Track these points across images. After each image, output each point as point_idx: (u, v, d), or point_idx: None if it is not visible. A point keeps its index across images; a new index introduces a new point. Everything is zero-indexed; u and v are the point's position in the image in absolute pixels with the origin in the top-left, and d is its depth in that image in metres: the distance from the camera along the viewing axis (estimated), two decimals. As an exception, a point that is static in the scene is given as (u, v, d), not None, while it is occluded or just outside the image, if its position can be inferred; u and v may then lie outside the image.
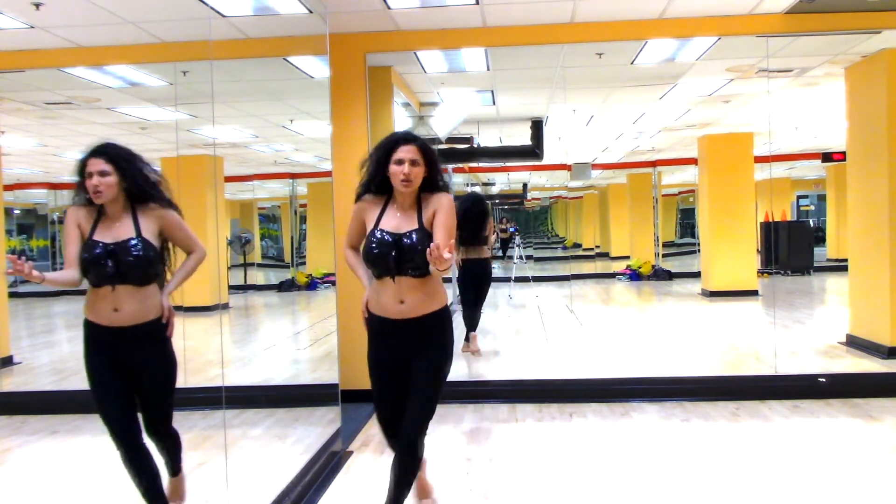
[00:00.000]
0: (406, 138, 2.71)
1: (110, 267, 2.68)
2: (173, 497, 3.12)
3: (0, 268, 6.13)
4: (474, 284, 6.61)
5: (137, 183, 2.75)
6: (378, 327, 2.86)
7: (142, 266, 2.72)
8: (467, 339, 6.70)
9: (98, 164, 2.68)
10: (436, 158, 2.76)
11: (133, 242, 2.72)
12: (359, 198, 2.84)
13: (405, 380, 2.82)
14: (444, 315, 2.81)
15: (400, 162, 2.66)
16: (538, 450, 4.15)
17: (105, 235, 2.72)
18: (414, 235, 2.68)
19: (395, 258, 2.68)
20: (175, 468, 3.13)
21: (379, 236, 2.71)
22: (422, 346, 2.77)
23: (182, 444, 3.12)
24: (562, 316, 9.65)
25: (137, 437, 2.80)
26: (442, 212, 2.71)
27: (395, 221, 2.74)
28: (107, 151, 2.72)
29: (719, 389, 5.18)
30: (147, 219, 2.79)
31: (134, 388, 2.81)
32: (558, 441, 4.32)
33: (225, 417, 4.86)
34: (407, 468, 2.78)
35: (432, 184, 2.76)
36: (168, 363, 2.88)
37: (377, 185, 2.77)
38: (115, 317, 2.71)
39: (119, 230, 2.74)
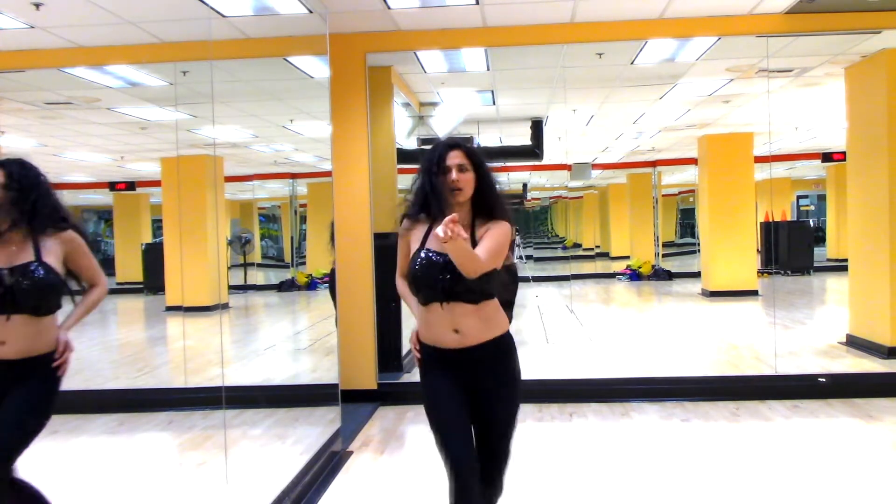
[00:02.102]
0: (450, 144, 2.43)
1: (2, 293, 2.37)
2: None
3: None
4: None
5: (35, 203, 2.46)
6: (433, 357, 2.43)
7: (41, 292, 2.43)
8: None
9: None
10: (485, 165, 2.44)
11: (32, 266, 2.42)
12: (403, 219, 2.49)
13: (469, 413, 2.41)
14: (507, 340, 2.45)
15: (447, 170, 2.37)
16: (538, 450, 4.15)
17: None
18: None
19: (444, 281, 2.32)
20: None
21: (424, 256, 2.36)
22: (489, 383, 2.40)
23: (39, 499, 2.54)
24: (562, 316, 9.65)
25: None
26: (491, 233, 2.35)
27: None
28: (4, 165, 2.46)
29: (719, 389, 5.19)
30: (50, 242, 2.49)
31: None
32: (558, 441, 4.32)
33: (225, 417, 4.86)
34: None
35: (487, 203, 2.42)
36: (39, 403, 2.49)
37: (426, 202, 2.42)
38: (1, 350, 2.39)
39: (16, 254, 2.43)
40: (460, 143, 2.45)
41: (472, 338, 2.36)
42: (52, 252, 2.49)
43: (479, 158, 2.44)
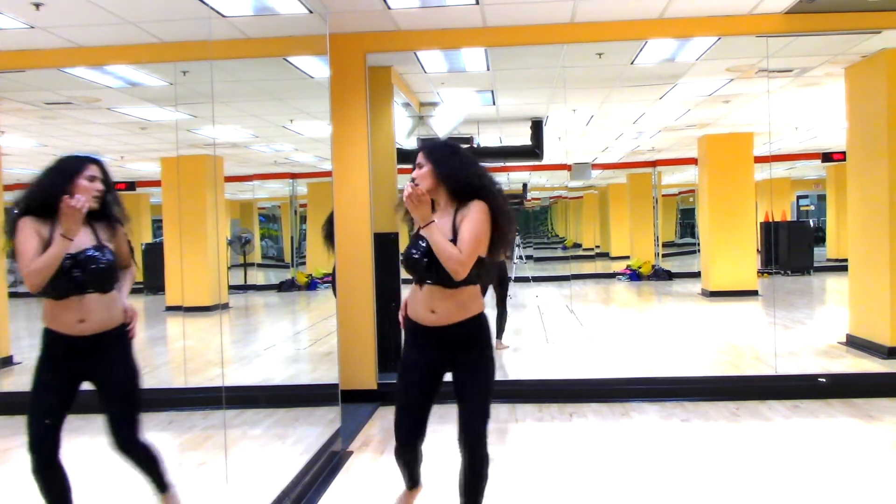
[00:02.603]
0: (418, 148, 2.76)
1: (77, 276, 2.61)
2: None
3: (0, 268, 6.14)
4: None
5: (113, 197, 2.80)
6: (412, 331, 2.76)
7: (107, 272, 2.69)
8: None
9: (96, 171, 2.72)
10: (445, 158, 2.66)
11: (98, 250, 2.69)
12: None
13: (431, 391, 2.76)
14: (479, 320, 2.71)
15: (414, 168, 2.71)
16: (538, 450, 4.15)
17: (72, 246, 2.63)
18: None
19: (422, 265, 2.61)
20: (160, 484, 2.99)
21: (414, 242, 2.67)
22: (460, 354, 2.68)
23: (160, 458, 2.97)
24: (562, 316, 9.65)
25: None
26: (467, 218, 2.58)
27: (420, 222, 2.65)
28: (100, 162, 2.76)
29: (719, 389, 5.19)
30: (103, 229, 2.78)
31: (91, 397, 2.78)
32: (558, 441, 4.32)
33: (225, 417, 4.86)
34: (478, 481, 2.74)
35: (458, 187, 2.64)
36: (132, 368, 2.84)
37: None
38: (80, 327, 2.67)
39: (81, 240, 2.65)
40: (426, 146, 2.74)
41: (446, 318, 2.64)
42: (105, 237, 2.77)
43: (436, 154, 2.68)
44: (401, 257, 2.75)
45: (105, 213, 2.78)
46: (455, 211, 2.64)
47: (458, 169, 2.66)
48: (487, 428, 2.72)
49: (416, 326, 2.72)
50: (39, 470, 2.74)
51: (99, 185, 2.72)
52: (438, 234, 2.53)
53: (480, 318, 2.72)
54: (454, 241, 2.56)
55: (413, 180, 2.64)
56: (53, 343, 2.71)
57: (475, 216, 2.57)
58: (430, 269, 2.59)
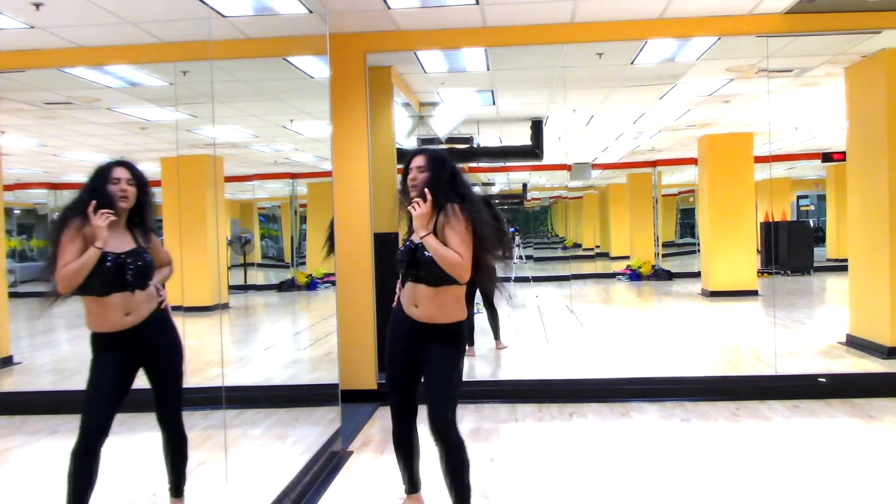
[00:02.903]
0: (416, 151, 2.96)
1: (130, 273, 2.88)
2: None
3: (0, 267, 6.14)
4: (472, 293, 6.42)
5: (149, 201, 3.04)
6: (396, 318, 3.00)
7: (149, 270, 2.98)
8: None
9: (125, 173, 2.91)
10: (441, 164, 2.88)
11: (140, 251, 2.96)
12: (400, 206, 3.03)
13: (415, 374, 2.97)
14: (457, 327, 2.91)
15: (410, 171, 2.92)
16: (538, 450, 4.15)
17: (112, 247, 2.86)
18: (425, 247, 2.80)
19: (407, 265, 2.85)
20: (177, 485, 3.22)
21: (407, 244, 2.91)
22: (429, 346, 2.88)
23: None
24: (562, 316, 9.65)
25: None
26: (448, 226, 2.80)
27: (419, 231, 2.85)
28: (128, 164, 2.96)
29: (719, 389, 5.19)
30: (139, 233, 3.03)
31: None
32: (558, 441, 4.32)
33: (225, 417, 4.86)
34: (455, 465, 2.81)
35: (446, 199, 2.84)
36: (176, 346, 3.12)
37: (403, 202, 2.98)
38: (127, 320, 2.90)
39: (124, 242, 2.94)
40: (425, 150, 2.96)
41: (426, 316, 2.86)
42: (143, 241, 3.02)
43: (436, 165, 2.89)
44: (398, 254, 2.96)
45: (142, 219, 3.02)
46: (436, 215, 2.84)
47: (448, 181, 2.87)
48: (454, 414, 2.85)
49: (401, 314, 2.94)
50: (80, 454, 2.83)
51: (124, 186, 2.89)
52: (438, 243, 2.75)
53: (459, 326, 2.91)
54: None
55: (417, 191, 2.85)
56: (102, 342, 2.90)
57: (455, 224, 2.78)
58: (411, 268, 2.85)
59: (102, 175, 2.88)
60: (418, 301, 2.86)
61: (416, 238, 2.85)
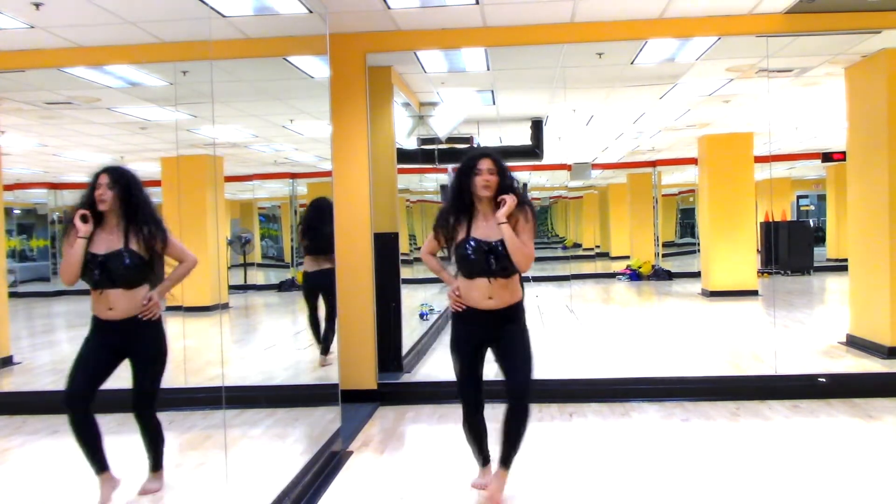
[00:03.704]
0: (481, 153, 3.28)
1: (99, 275, 3.20)
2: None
3: (0, 267, 6.14)
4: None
5: (137, 203, 3.29)
6: (467, 314, 3.32)
7: (127, 272, 3.23)
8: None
9: (105, 179, 3.21)
10: (506, 168, 3.27)
11: (121, 253, 3.22)
12: (445, 219, 3.34)
13: (481, 360, 3.40)
14: (521, 305, 3.38)
15: (479, 172, 3.21)
16: (538, 450, 4.15)
17: (96, 248, 3.22)
18: (502, 245, 3.17)
19: (490, 263, 3.19)
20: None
21: (474, 244, 3.22)
22: (501, 329, 3.29)
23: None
24: (562, 316, 9.65)
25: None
26: (524, 221, 3.24)
27: (484, 231, 3.23)
28: (110, 169, 3.26)
29: (719, 389, 5.19)
30: (139, 234, 3.28)
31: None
32: (558, 441, 4.32)
33: (225, 417, 4.86)
34: (520, 425, 3.27)
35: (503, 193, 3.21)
36: (156, 351, 3.39)
37: (460, 202, 3.29)
38: (109, 314, 3.24)
39: (112, 242, 3.24)
40: (491, 153, 3.28)
41: (502, 303, 3.27)
42: (138, 241, 3.26)
43: (501, 166, 3.25)
44: (460, 255, 3.25)
45: (136, 218, 3.26)
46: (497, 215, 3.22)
47: (511, 176, 3.30)
48: (531, 384, 3.33)
49: (472, 311, 3.29)
50: (74, 422, 3.22)
51: (101, 191, 3.19)
52: (517, 238, 3.17)
53: (521, 303, 3.37)
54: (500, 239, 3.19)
55: (491, 191, 3.22)
56: (94, 324, 3.28)
57: (530, 219, 3.26)
58: (495, 267, 3.20)
59: (91, 182, 3.24)
60: (494, 293, 3.24)
61: (487, 236, 3.19)
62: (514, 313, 3.32)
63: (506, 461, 3.32)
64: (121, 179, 3.24)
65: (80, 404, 3.23)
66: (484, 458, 3.54)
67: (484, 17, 5.04)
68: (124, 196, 3.24)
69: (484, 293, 3.25)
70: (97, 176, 3.23)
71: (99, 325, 3.28)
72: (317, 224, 5.88)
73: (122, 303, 3.22)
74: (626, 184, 15.38)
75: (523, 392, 3.29)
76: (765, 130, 9.89)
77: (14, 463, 4.23)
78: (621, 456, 4.00)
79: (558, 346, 7.29)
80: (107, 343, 3.27)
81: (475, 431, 3.47)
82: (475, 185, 3.21)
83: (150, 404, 3.39)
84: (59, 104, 6.79)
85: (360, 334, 5.41)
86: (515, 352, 3.31)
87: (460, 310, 3.33)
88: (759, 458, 3.89)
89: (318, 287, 5.96)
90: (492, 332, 3.31)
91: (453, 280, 3.37)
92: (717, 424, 4.54)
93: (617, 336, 7.99)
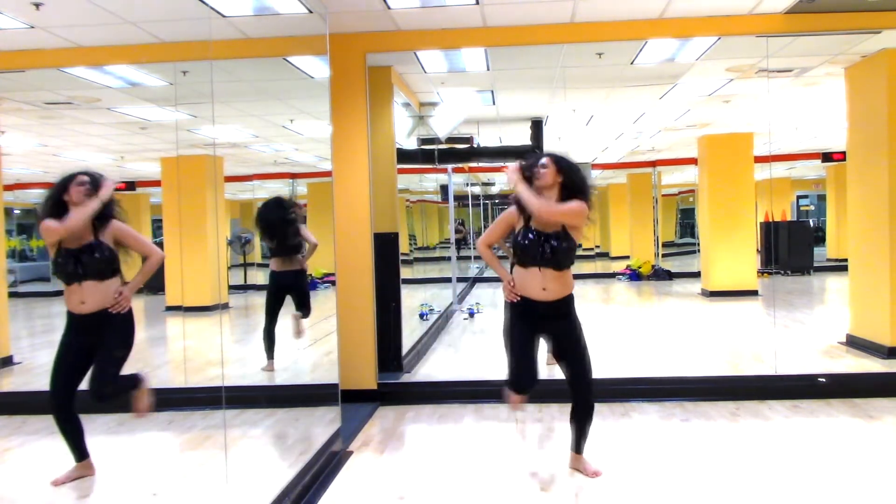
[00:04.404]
0: (546, 154, 3.56)
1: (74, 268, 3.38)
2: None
3: (0, 267, 6.14)
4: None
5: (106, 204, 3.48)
6: (522, 304, 3.52)
7: (99, 263, 3.42)
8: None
9: (85, 178, 3.43)
10: (572, 168, 3.50)
11: (93, 245, 3.43)
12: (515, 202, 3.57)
13: (536, 345, 3.59)
14: (573, 297, 3.60)
15: (540, 166, 3.50)
16: (538, 449, 4.15)
17: (71, 244, 3.40)
18: (556, 238, 3.42)
19: (544, 252, 3.42)
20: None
21: (532, 236, 3.45)
22: (556, 323, 3.52)
23: None
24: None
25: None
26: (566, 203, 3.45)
27: (542, 224, 3.46)
28: (85, 173, 3.47)
29: (719, 389, 5.18)
30: (104, 228, 3.49)
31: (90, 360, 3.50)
32: (558, 441, 4.32)
33: (225, 417, 4.86)
34: (587, 417, 3.63)
35: (570, 192, 3.45)
36: (120, 340, 3.55)
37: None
38: (82, 307, 3.43)
39: (83, 238, 3.43)
40: (552, 154, 3.57)
41: (554, 294, 3.48)
42: (107, 235, 3.49)
43: (568, 165, 3.52)
44: (522, 244, 3.47)
45: (103, 214, 3.45)
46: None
47: (578, 176, 3.54)
48: (593, 383, 3.60)
49: (525, 300, 3.50)
50: (59, 420, 3.49)
51: (84, 190, 3.41)
52: (528, 193, 3.44)
53: (573, 296, 3.60)
54: (564, 235, 3.46)
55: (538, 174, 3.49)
56: (69, 320, 3.47)
57: (575, 203, 3.45)
58: (550, 256, 3.43)
59: (63, 183, 3.45)
60: (547, 284, 3.45)
61: (544, 227, 3.45)
62: (567, 307, 3.54)
63: (579, 448, 3.69)
64: (96, 180, 3.47)
65: (63, 407, 3.49)
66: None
67: (484, 17, 5.04)
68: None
69: (538, 283, 3.46)
70: (71, 178, 3.43)
71: (72, 321, 3.47)
72: (276, 222, 5.65)
73: (94, 295, 3.41)
74: (626, 184, 15.39)
75: (587, 389, 3.58)
76: (765, 130, 9.90)
77: (14, 463, 4.23)
78: (621, 456, 4.00)
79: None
80: (80, 340, 3.46)
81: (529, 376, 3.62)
82: (534, 176, 3.49)
83: (105, 387, 3.49)
84: (59, 104, 6.79)
85: (360, 334, 5.41)
86: (575, 352, 3.55)
87: (516, 300, 3.52)
88: (759, 458, 3.89)
89: (288, 288, 5.78)
90: (546, 325, 3.53)
91: (507, 273, 3.60)
92: (717, 424, 4.54)
93: (617, 336, 7.99)
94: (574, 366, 3.57)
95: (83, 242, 3.42)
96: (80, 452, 3.59)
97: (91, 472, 3.64)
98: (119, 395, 3.55)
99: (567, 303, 3.55)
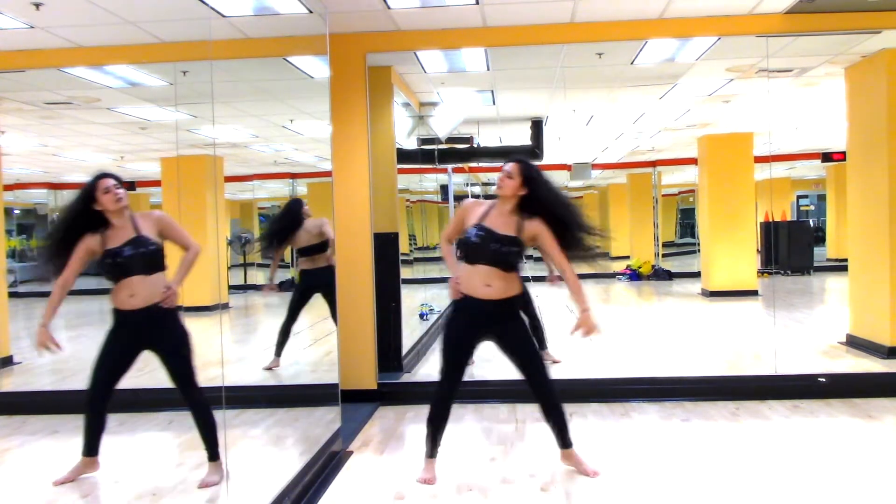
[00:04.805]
0: (514, 159, 3.53)
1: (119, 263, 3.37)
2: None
3: (0, 268, 6.15)
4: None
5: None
6: (464, 303, 3.53)
7: (145, 257, 3.40)
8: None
9: (111, 181, 3.40)
10: (541, 181, 3.48)
11: (138, 240, 3.42)
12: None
13: (469, 352, 3.63)
14: (518, 299, 3.58)
15: (502, 171, 3.50)
16: (538, 449, 4.15)
17: (115, 242, 3.40)
18: (507, 240, 3.44)
19: (490, 250, 3.43)
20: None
21: (482, 234, 3.46)
22: (503, 322, 3.53)
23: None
24: (562, 316, 9.64)
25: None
26: (544, 235, 3.50)
27: (496, 223, 3.49)
28: (114, 174, 3.46)
29: (719, 389, 5.18)
30: (142, 221, 3.49)
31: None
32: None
33: (225, 417, 4.85)
34: (560, 415, 3.66)
35: (534, 205, 3.47)
36: (181, 337, 3.57)
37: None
38: (131, 301, 3.40)
39: (125, 234, 3.42)
40: (520, 160, 3.53)
41: (499, 293, 3.47)
42: (147, 228, 3.48)
43: (531, 174, 3.48)
44: (470, 242, 3.48)
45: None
46: (518, 215, 3.51)
47: (542, 187, 3.53)
48: (551, 380, 3.65)
49: (470, 298, 3.50)
50: (89, 413, 3.53)
51: (117, 193, 3.40)
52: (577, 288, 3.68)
53: (518, 297, 3.57)
54: (515, 237, 3.48)
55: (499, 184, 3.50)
56: (115, 317, 3.45)
57: (550, 232, 3.52)
58: (498, 257, 3.44)
59: (88, 189, 3.41)
60: (491, 281, 3.46)
61: (496, 227, 3.46)
62: (512, 308, 3.53)
63: (564, 443, 3.69)
64: (120, 179, 3.46)
65: (99, 403, 3.50)
66: (433, 449, 3.70)
67: (484, 17, 5.04)
68: (131, 189, 3.50)
69: (483, 281, 3.46)
70: (94, 186, 3.39)
71: (120, 317, 3.43)
72: (291, 225, 5.85)
73: (142, 289, 3.38)
74: (626, 184, 15.39)
75: (550, 392, 3.63)
76: (765, 130, 9.90)
77: (14, 463, 4.23)
78: (621, 456, 4.00)
79: (558, 346, 7.28)
80: (128, 336, 3.45)
81: (441, 417, 3.65)
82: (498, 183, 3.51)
83: (190, 382, 3.52)
84: (59, 104, 6.79)
85: (360, 334, 5.41)
86: (526, 352, 3.58)
87: (459, 297, 3.52)
88: (759, 458, 3.89)
89: (317, 287, 5.89)
90: (491, 326, 3.52)
91: (457, 269, 3.59)
92: (717, 424, 4.54)
93: (617, 336, 7.99)
94: (528, 367, 3.58)
95: (126, 239, 3.41)
96: (93, 448, 3.58)
97: (95, 469, 3.64)
98: (202, 409, 3.54)
99: (512, 303, 3.55)
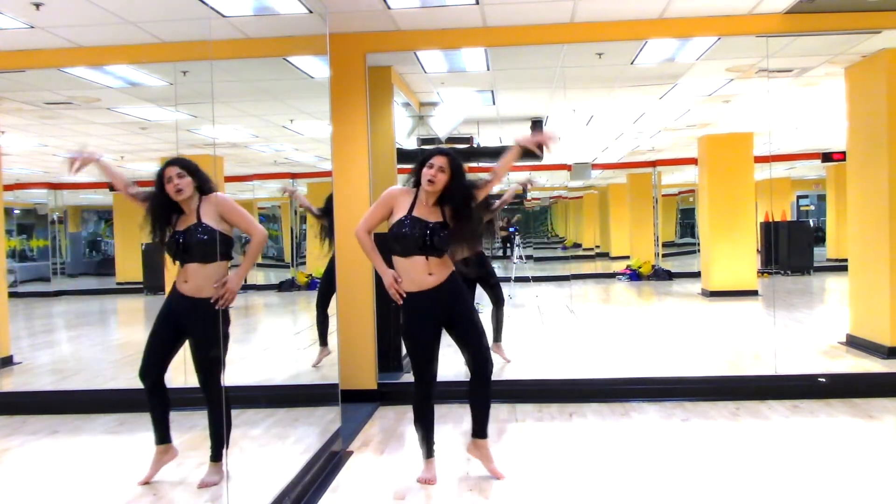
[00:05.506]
0: (440, 152, 3.51)
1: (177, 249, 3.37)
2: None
3: (0, 267, 6.14)
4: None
5: (201, 181, 3.46)
6: (414, 298, 3.52)
7: (199, 246, 3.35)
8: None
9: (175, 170, 3.38)
10: (462, 172, 3.50)
11: (194, 228, 3.37)
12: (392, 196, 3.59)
13: (437, 342, 3.61)
14: (455, 273, 3.62)
15: (431, 166, 3.45)
16: (538, 450, 4.15)
17: (179, 227, 3.42)
18: (438, 225, 3.45)
19: (428, 239, 3.43)
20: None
21: (414, 223, 3.44)
22: (453, 301, 3.54)
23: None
24: (562, 316, 9.65)
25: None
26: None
27: (424, 212, 3.47)
28: (183, 160, 3.47)
29: (719, 389, 5.19)
30: (206, 207, 3.42)
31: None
32: (558, 441, 4.32)
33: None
34: (487, 389, 3.62)
35: (450, 199, 3.49)
36: (213, 331, 3.47)
37: (415, 182, 3.54)
38: (184, 286, 3.41)
39: (188, 220, 3.41)
40: (449, 153, 3.51)
41: (441, 277, 3.51)
42: (208, 214, 3.40)
43: (459, 166, 3.50)
44: (401, 233, 3.45)
45: (204, 189, 3.43)
46: (441, 203, 3.54)
47: (464, 181, 3.55)
48: (489, 352, 3.70)
49: (415, 294, 3.50)
50: (148, 390, 3.47)
51: (178, 182, 3.39)
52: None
53: (456, 274, 3.61)
54: (445, 224, 3.49)
55: (430, 178, 3.45)
56: (169, 295, 3.49)
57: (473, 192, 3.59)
58: (434, 245, 3.45)
59: (158, 179, 3.44)
60: (433, 269, 3.48)
61: (425, 216, 3.46)
62: (455, 284, 3.56)
63: (482, 431, 3.64)
64: (189, 166, 3.42)
65: (155, 383, 3.49)
66: (429, 449, 3.68)
67: (484, 17, 5.04)
68: (195, 179, 3.42)
69: (423, 270, 3.47)
70: (162, 171, 3.40)
71: (170, 295, 3.46)
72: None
73: (196, 276, 3.36)
74: (626, 184, 15.38)
75: (487, 364, 3.59)
76: (765, 130, 9.90)
77: (14, 463, 4.23)
78: (621, 456, 4.00)
79: (558, 346, 7.29)
80: (171, 313, 3.46)
81: (427, 417, 3.63)
82: (423, 175, 3.45)
83: (211, 378, 3.50)
84: (59, 104, 6.79)
85: (360, 334, 5.41)
86: (473, 329, 3.58)
87: (400, 302, 3.52)
88: (759, 458, 3.89)
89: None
90: (443, 312, 3.54)
91: (388, 269, 3.54)
92: (717, 424, 4.54)
93: (617, 336, 7.99)
94: (473, 341, 3.58)
95: (188, 224, 3.39)
96: (163, 433, 3.57)
97: (174, 457, 3.62)
98: (216, 403, 3.53)
99: (453, 280, 3.56)
